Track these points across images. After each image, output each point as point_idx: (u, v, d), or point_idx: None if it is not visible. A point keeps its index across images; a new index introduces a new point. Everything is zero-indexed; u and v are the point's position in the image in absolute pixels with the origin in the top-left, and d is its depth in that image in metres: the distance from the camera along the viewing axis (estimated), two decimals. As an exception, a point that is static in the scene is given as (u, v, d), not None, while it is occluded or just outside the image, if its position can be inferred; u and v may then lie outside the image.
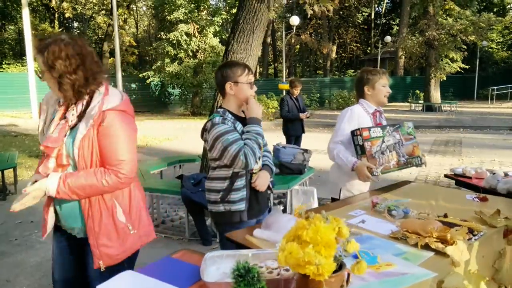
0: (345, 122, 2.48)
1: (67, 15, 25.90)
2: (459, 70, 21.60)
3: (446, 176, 2.83)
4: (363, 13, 35.62)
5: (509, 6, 35.30)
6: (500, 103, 22.50)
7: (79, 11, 27.70)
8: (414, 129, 2.49)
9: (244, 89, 2.13)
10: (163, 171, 5.30)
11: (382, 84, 2.52)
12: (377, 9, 36.70)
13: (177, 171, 5.35)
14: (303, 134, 6.38)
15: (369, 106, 2.55)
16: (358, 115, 2.48)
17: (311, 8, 4.98)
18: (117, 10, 29.24)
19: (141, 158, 7.99)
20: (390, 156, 2.30)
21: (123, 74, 25.42)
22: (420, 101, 21.16)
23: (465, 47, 20.79)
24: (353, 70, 33.57)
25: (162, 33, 19.22)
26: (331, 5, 5.03)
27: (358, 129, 2.32)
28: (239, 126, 2.10)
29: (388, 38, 23.32)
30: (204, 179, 3.76)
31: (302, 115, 6.14)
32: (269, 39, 33.26)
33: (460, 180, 2.70)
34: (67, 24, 32.88)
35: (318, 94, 23.04)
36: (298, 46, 34.93)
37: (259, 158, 2.19)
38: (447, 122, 14.21)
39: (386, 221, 1.85)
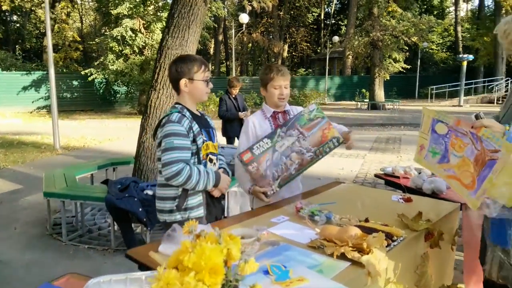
0: (242, 136, 2.30)
1: (4, 7, 23.98)
2: (402, 70, 22.60)
3: (376, 176, 2.79)
4: (313, 13, 36.30)
5: (448, 9, 37.55)
6: (439, 101, 23.82)
7: (17, 3, 25.75)
8: (320, 110, 2.15)
9: (200, 86, 2.03)
10: (94, 175, 4.93)
11: (275, 86, 2.22)
12: (326, 9, 37.55)
13: (110, 175, 5.00)
14: None
15: (267, 109, 2.32)
16: (253, 124, 2.27)
17: (249, 4, 4.83)
18: (60, 3, 27.65)
19: (72, 161, 7.48)
20: (288, 162, 2.09)
21: (65, 70, 24.09)
22: (365, 100, 21.89)
23: (407, 48, 21.80)
24: (304, 69, 34.16)
25: (105, 28, 18.32)
26: (271, 1, 4.90)
27: (238, 155, 2.09)
28: (195, 126, 2.00)
29: (336, 38, 23.92)
30: (133, 183, 3.50)
31: (241, 114, 5.98)
32: (221, 37, 32.96)
33: (389, 180, 2.66)
34: (4, 18, 30.48)
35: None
36: (250, 45, 34.92)
37: (214, 164, 2.13)
38: (389, 120, 14.76)
39: (308, 228, 1.74)
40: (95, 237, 3.91)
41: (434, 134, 1.83)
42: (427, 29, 21.17)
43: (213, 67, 34.44)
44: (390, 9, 20.12)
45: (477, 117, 1.62)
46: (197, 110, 2.12)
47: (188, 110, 2.03)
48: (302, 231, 1.73)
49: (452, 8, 35.60)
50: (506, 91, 24.28)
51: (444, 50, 37.09)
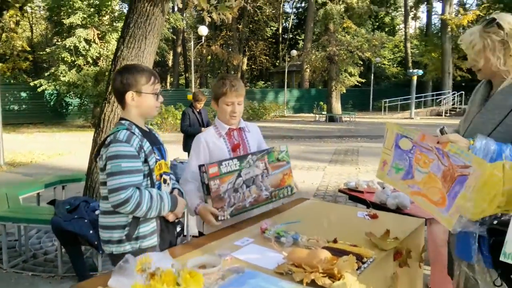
0: (192, 153, 2.12)
1: None
2: (357, 83, 23.39)
3: (340, 191, 2.75)
4: (271, 28, 36.93)
5: (398, 26, 39.57)
6: (392, 114, 24.83)
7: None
8: (288, 153, 2.09)
9: (149, 100, 1.83)
10: (41, 193, 4.56)
11: (227, 102, 2.03)
12: (284, 24, 38.38)
13: (58, 194, 4.65)
14: None
15: (221, 126, 2.12)
16: (205, 142, 2.08)
17: (209, 15, 4.75)
18: (8, 11, 26.19)
19: (17, 178, 6.95)
20: (247, 193, 1.94)
21: (12, 81, 22.72)
22: (323, 112, 22.39)
23: (362, 63, 22.63)
24: (263, 82, 34.50)
25: (57, 38, 17.54)
26: (230, 14, 4.86)
27: (203, 164, 1.87)
28: (146, 144, 1.79)
29: (294, 52, 24.38)
30: (84, 203, 3.24)
31: (204, 129, 5.83)
32: (179, 49, 32.62)
33: (353, 195, 2.63)
34: None
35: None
36: (209, 57, 34.83)
37: (168, 184, 1.93)
38: (347, 132, 15.13)
39: (274, 251, 1.63)
40: (41, 262, 3.58)
41: (398, 150, 1.79)
42: (380, 45, 22.14)
43: (171, 79, 33.94)
44: (345, 25, 20.86)
45: (442, 131, 1.58)
46: (145, 125, 1.92)
47: (137, 126, 1.83)
48: (268, 254, 1.62)
49: (402, 26, 37.56)
50: (453, 104, 25.78)
51: (395, 65, 38.94)
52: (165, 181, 1.90)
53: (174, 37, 26.08)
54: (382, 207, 2.29)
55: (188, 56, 33.60)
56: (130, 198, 1.68)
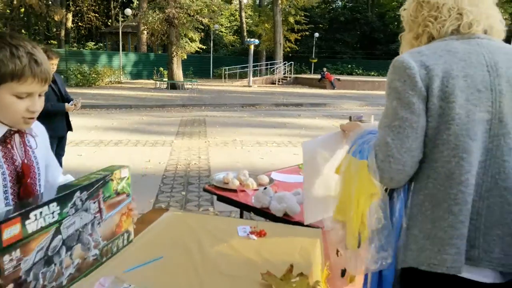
0: None
1: None
2: (198, 50, 22.88)
3: (206, 190, 2.17)
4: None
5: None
6: (232, 82, 25.37)
7: None
8: (129, 180, 1.34)
9: None
10: None
11: (16, 93, 1.08)
12: (115, -22, 34.49)
13: None
14: (69, 133, 4.29)
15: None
16: None
17: None
18: None
19: None
20: (66, 261, 1.06)
21: None
22: (164, 79, 21.26)
23: (202, 28, 22.11)
24: (93, 43, 30.67)
25: None
26: None
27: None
28: None
29: (128, 11, 22.12)
30: None
31: (69, 107, 3.98)
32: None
33: (224, 196, 2.06)
34: None
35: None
36: (22, 9, 28.86)
37: None
38: (190, 101, 14.61)
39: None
40: None
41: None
42: (219, 11, 21.96)
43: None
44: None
45: (350, 118, 1.45)
46: None
47: None
48: None
49: (237, -6, 38.32)
50: (285, 73, 27.91)
51: (231, 34, 39.90)
52: None
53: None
54: (263, 212, 1.82)
55: (-9, 5, 27.05)
56: None
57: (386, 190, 1.20)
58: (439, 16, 1.16)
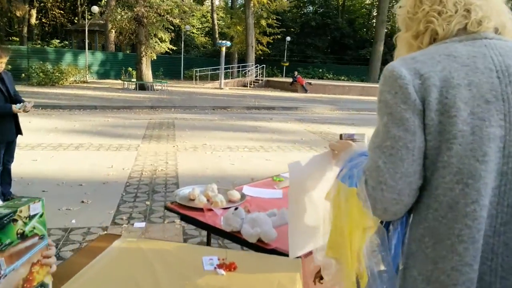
0: None
1: None
2: (168, 50, 22.37)
3: (167, 208, 1.91)
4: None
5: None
6: (203, 83, 24.95)
7: None
8: (44, 221, 1.02)
9: None
10: None
11: None
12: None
13: None
14: (19, 136, 3.91)
15: None
16: None
17: None
18: None
19: None
20: None
21: None
22: (133, 80, 20.61)
23: (172, 28, 21.63)
24: (58, 41, 29.42)
25: None
26: None
27: None
28: None
29: (95, 9, 21.30)
30: None
31: (15, 109, 3.56)
32: None
33: (188, 216, 1.80)
34: None
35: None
36: (-20, 3, 27.29)
37: None
38: (159, 102, 14.16)
39: None
40: None
41: None
42: (190, 12, 21.54)
43: None
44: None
45: (341, 137, 1.30)
46: None
47: None
48: None
49: (209, -4, 37.95)
50: (256, 76, 27.78)
51: (203, 35, 39.41)
52: None
53: None
54: (236, 237, 1.57)
55: None
56: None
57: (381, 222, 1.00)
58: (443, 11, 0.97)
